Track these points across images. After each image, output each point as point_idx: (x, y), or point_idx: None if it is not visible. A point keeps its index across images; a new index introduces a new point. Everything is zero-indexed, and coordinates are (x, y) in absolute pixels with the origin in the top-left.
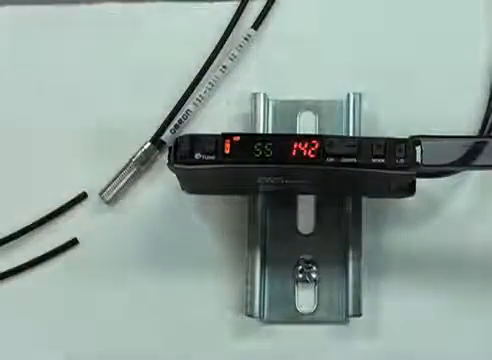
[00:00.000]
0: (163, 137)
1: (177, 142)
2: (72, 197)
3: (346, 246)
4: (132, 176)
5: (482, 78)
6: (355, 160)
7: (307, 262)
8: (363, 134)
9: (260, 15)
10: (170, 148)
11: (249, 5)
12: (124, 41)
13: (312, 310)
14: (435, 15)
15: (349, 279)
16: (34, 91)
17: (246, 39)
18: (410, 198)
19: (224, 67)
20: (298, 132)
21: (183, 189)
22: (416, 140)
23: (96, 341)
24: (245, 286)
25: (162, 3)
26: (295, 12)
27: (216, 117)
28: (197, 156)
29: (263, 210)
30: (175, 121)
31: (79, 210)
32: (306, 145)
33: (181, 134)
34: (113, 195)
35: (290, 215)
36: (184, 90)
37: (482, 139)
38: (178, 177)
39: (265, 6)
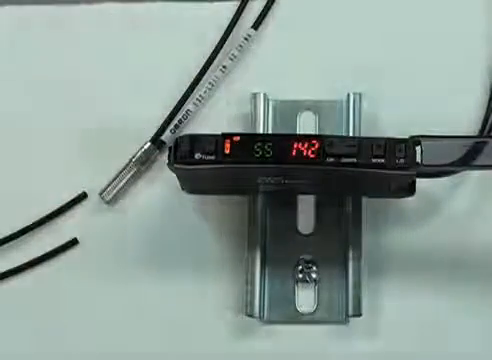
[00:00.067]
0: (163, 137)
1: (177, 142)
2: (72, 197)
3: (346, 246)
4: (132, 176)
5: (482, 78)
6: (355, 160)
7: (307, 262)
8: (363, 134)
9: (260, 15)
10: (170, 148)
11: (249, 5)
12: (124, 41)
13: (312, 310)
14: (435, 15)
15: (349, 279)
16: (34, 91)
17: (246, 39)
18: (410, 198)
19: (224, 67)
20: (298, 132)
21: (183, 189)
22: (416, 140)
23: (96, 341)
24: (245, 286)
25: (162, 3)
26: (295, 12)
27: (216, 117)
28: (197, 156)
29: (263, 210)
30: (175, 121)
31: (79, 210)
32: (306, 145)
33: (181, 134)
34: (113, 195)
35: (290, 215)
36: (184, 90)
37: (482, 139)
38: (178, 177)
39: (265, 6)
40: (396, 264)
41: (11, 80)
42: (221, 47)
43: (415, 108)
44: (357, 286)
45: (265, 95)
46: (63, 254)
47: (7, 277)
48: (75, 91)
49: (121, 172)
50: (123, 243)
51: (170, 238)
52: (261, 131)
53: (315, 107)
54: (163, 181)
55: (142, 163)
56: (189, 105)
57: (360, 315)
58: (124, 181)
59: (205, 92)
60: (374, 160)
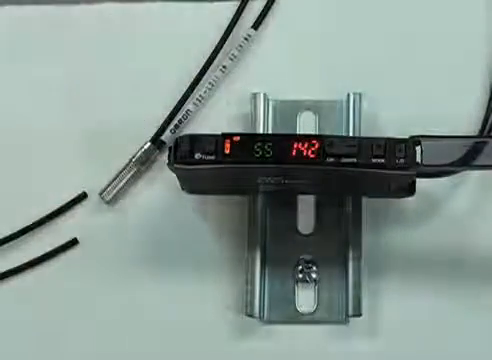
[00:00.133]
0: (163, 137)
1: (177, 142)
2: (72, 197)
3: (346, 246)
4: (132, 176)
5: (482, 78)
6: (355, 160)
7: (307, 262)
8: (363, 134)
9: (260, 15)
10: (170, 148)
11: (249, 5)
12: (124, 41)
13: (312, 310)
14: (435, 15)
15: (349, 279)
16: (34, 91)
17: (246, 39)
18: (410, 198)
19: (224, 67)
20: (298, 132)
21: (183, 189)
22: (416, 140)
23: (96, 341)
24: (245, 286)
25: (162, 3)
26: (295, 12)
27: (216, 117)
28: (197, 156)
29: (263, 210)
30: (175, 121)
31: (79, 210)
32: (306, 145)
33: (181, 134)
34: (113, 195)
35: (290, 215)
36: (184, 90)
37: (482, 139)
38: (178, 177)
39: (265, 6)
40: (396, 264)
41: (11, 80)
42: (221, 47)
43: (415, 108)
44: (357, 286)
45: (265, 95)
46: (63, 254)
47: (7, 277)
48: (75, 91)
49: (121, 172)
50: (123, 243)
51: (170, 238)
52: (261, 131)
53: (315, 107)
54: (163, 181)
55: (142, 163)
56: (189, 105)
57: (360, 315)
58: (124, 181)
59: (205, 92)
60: (374, 160)
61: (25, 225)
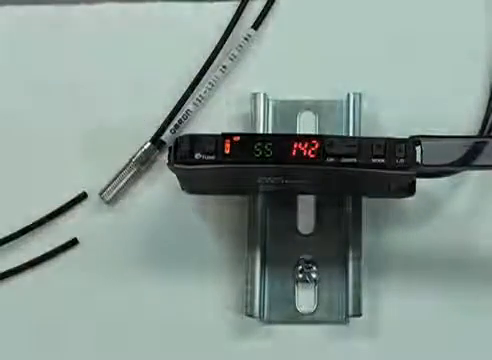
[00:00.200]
0: (163, 137)
1: (177, 142)
2: (72, 197)
3: (346, 246)
4: (132, 176)
5: (482, 78)
6: (355, 160)
7: (307, 262)
8: (363, 134)
9: (260, 15)
10: (170, 148)
11: (249, 5)
12: (124, 41)
13: (312, 310)
14: (436, 15)
15: (349, 279)
16: (34, 91)
17: (246, 39)
18: (410, 198)
19: (224, 67)
20: (298, 132)
21: (183, 189)
22: (416, 140)
23: (96, 341)
24: (245, 286)
25: (162, 3)
26: (295, 12)
27: (216, 117)
28: (197, 156)
29: (263, 210)
30: (175, 121)
31: (79, 210)
32: (306, 145)
33: (181, 134)
34: (113, 195)
35: (290, 215)
36: (184, 90)
37: (482, 139)
38: (178, 177)
39: (265, 6)
40: (396, 264)
41: (11, 80)
42: (221, 47)
43: (415, 108)
44: (357, 286)
45: (265, 95)
46: (63, 254)
47: (7, 277)
48: (75, 91)
49: (121, 172)
50: (123, 243)
51: (170, 238)
52: (261, 131)
53: (315, 107)
54: (163, 181)
55: (142, 163)
56: (189, 105)
57: (360, 315)
58: (124, 181)
59: (205, 92)
60: (374, 160)
61: (25, 225)
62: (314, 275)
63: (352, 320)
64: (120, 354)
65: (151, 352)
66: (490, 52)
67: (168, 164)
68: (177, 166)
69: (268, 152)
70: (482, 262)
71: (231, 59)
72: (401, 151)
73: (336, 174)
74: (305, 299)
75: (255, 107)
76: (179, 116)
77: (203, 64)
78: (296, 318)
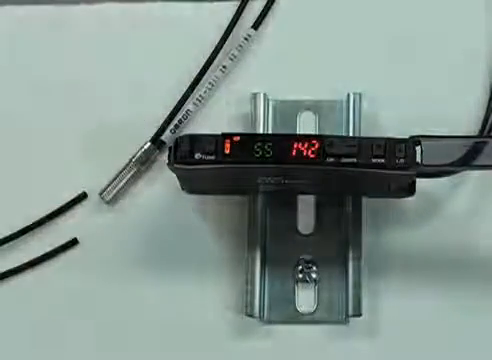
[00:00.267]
0: (163, 137)
1: (177, 142)
2: (72, 197)
3: (346, 246)
4: (132, 176)
5: (482, 78)
6: (355, 160)
7: (307, 262)
8: (363, 134)
9: (260, 15)
10: (170, 148)
11: (249, 5)
12: (124, 41)
13: (312, 310)
14: (435, 15)
15: (349, 279)
16: (34, 91)
17: (246, 39)
18: (410, 198)
19: (224, 67)
20: (298, 132)
21: (183, 189)
22: (416, 140)
23: (96, 341)
24: (245, 286)
25: (162, 3)
26: (295, 12)
27: (216, 117)
28: (197, 156)
29: (263, 210)
30: (175, 121)
31: (79, 210)
32: (306, 145)
33: (181, 134)
34: (113, 195)
35: (290, 215)
36: (184, 90)
37: (482, 139)
38: (178, 177)
39: (265, 6)
40: (396, 264)
41: (11, 80)
42: (221, 47)
43: (415, 108)
44: (357, 286)
45: (265, 95)
46: (63, 254)
47: (7, 277)
48: (75, 91)
49: (121, 172)
50: (123, 243)
51: (170, 238)
52: (261, 131)
53: (315, 107)
54: (163, 181)
55: (142, 163)
56: (189, 105)
57: (360, 315)
58: (124, 181)
59: (205, 92)
60: (374, 160)
61: (25, 225)
62: (314, 275)
63: (352, 320)
64: (120, 354)
65: (151, 352)
66: (490, 52)
67: (168, 164)
68: (177, 166)
69: (268, 152)
70: (482, 262)
71: (231, 59)
72: (401, 151)
73: (336, 174)
74: (305, 299)
75: (255, 107)
76: (179, 116)
77: (203, 64)
78: (296, 318)
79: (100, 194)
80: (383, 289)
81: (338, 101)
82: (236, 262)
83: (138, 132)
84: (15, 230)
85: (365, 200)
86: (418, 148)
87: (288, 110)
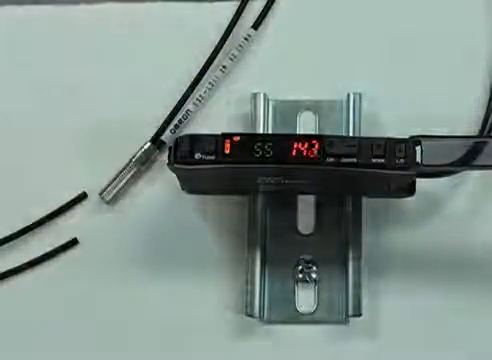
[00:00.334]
0: (163, 137)
1: (177, 142)
2: (72, 197)
3: (346, 246)
4: (132, 176)
5: (482, 78)
6: (355, 160)
7: (307, 262)
8: (363, 134)
9: (260, 15)
10: (170, 148)
11: (249, 5)
12: (124, 41)
13: (312, 310)
14: (435, 15)
15: (349, 279)
16: (34, 91)
17: (246, 39)
18: (410, 198)
19: (224, 67)
20: (298, 132)
21: (183, 189)
22: (416, 140)
23: (96, 341)
24: (245, 286)
25: (162, 3)
26: (295, 12)
27: (216, 117)
28: (197, 156)
29: (263, 210)
30: (175, 121)
31: (79, 210)
32: (306, 145)
33: (181, 134)
34: (113, 195)
35: (290, 215)
36: (184, 90)
37: (482, 139)
38: (178, 177)
39: (265, 6)
40: (396, 264)
41: (11, 80)
42: (221, 47)
43: (415, 108)
44: (357, 286)
45: (265, 95)
46: (63, 254)
47: (7, 277)
48: (75, 91)
49: (121, 172)
50: (123, 243)
51: (170, 238)
52: (261, 131)
53: (315, 107)
54: (163, 181)
55: (142, 163)
56: (189, 105)
57: (360, 315)
58: (124, 181)
59: (205, 92)
60: (374, 160)
61: (25, 225)
62: (314, 275)
63: (352, 320)
64: (120, 354)
65: (151, 352)
66: (490, 52)
67: (168, 164)
68: (177, 166)
69: (268, 152)
70: (482, 262)
71: (231, 59)
72: (401, 151)
73: (336, 174)
74: (305, 299)
75: (255, 107)
76: (179, 116)
77: (203, 64)
78: (296, 318)
79: (100, 194)
80: (383, 289)
81: (338, 101)
82: (236, 262)
83: (138, 132)
84: (15, 230)
85: (365, 200)
86: (418, 148)
87: (288, 110)
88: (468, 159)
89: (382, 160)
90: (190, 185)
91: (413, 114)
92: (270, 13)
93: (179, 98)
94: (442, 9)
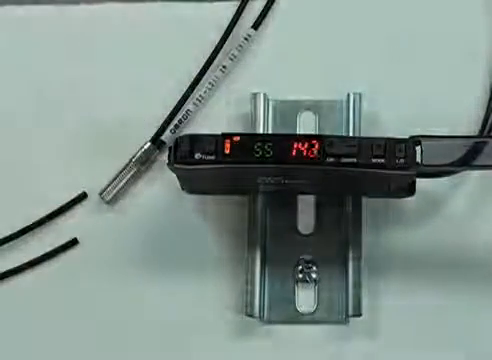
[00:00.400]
0: (163, 137)
1: (177, 142)
2: (72, 197)
3: (346, 246)
4: (132, 176)
5: (482, 78)
6: (355, 160)
7: (307, 262)
8: (363, 134)
9: (260, 15)
10: (170, 148)
11: (249, 5)
12: (124, 41)
13: (312, 310)
14: (435, 15)
15: (349, 279)
16: (34, 91)
17: (246, 39)
18: (410, 198)
19: (224, 67)
20: (298, 132)
21: (183, 189)
22: (416, 140)
23: (96, 341)
24: (245, 286)
25: (162, 3)
26: (295, 12)
27: (216, 117)
28: (197, 156)
29: (263, 210)
30: (175, 121)
31: (79, 210)
32: (306, 145)
33: (181, 134)
34: (113, 195)
35: (290, 215)
36: (184, 90)
37: (482, 139)
38: (178, 177)
39: (265, 6)
40: (396, 264)
41: (11, 80)
42: (221, 47)
43: (415, 108)
44: (357, 286)
45: (265, 95)
46: (63, 254)
47: (7, 277)
48: (75, 91)
49: (121, 172)
50: (123, 243)
51: (170, 238)
52: (261, 131)
53: (315, 107)
54: (163, 181)
55: (142, 163)
56: (189, 105)
57: (360, 315)
58: (124, 181)
59: (205, 92)
60: (374, 160)
61: (25, 225)
62: (314, 275)
63: (352, 320)
64: (120, 354)
65: (151, 352)
66: (490, 52)
67: (168, 164)
68: (177, 166)
69: (268, 152)
70: (482, 262)
71: (231, 59)
72: (401, 151)
73: (336, 174)
74: (305, 299)
75: (255, 107)
76: (179, 116)
77: (203, 64)
78: (296, 318)
79: (100, 194)
80: (383, 289)
81: (338, 101)
82: (236, 262)
83: (138, 132)
84: (15, 230)
85: (365, 200)
86: (418, 148)
87: (288, 110)
88: (468, 159)
89: (382, 160)
90: (190, 185)
91: (413, 114)
92: (270, 13)
93: (179, 98)
94: (442, 9)
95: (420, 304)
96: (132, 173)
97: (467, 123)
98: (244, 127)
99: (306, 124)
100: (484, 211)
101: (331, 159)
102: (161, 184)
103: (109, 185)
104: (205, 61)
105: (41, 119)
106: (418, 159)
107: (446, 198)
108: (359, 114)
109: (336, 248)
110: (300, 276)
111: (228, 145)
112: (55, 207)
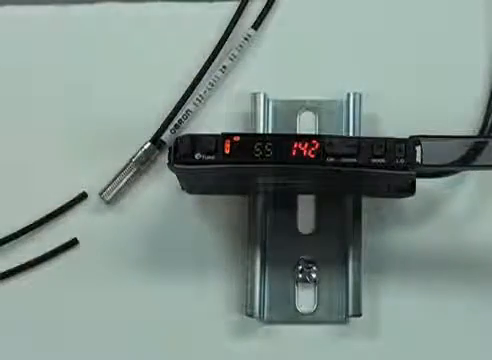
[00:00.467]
0: (163, 137)
1: (177, 142)
2: (72, 197)
3: (346, 246)
4: (132, 176)
5: (482, 78)
6: (355, 160)
7: (307, 262)
8: (363, 134)
9: (260, 15)
10: (170, 148)
11: (249, 5)
12: (124, 41)
13: (312, 310)
14: (435, 15)
15: (349, 279)
16: (34, 91)
17: (246, 39)
18: (410, 198)
19: (224, 67)
20: (298, 132)
21: (183, 189)
22: (416, 140)
23: (96, 341)
24: (245, 286)
25: (162, 3)
26: (295, 12)
27: (216, 117)
28: (197, 156)
29: (263, 210)
30: (175, 121)
31: (79, 210)
32: (306, 145)
33: (181, 134)
34: (113, 195)
35: (290, 215)
36: (184, 90)
37: (482, 139)
38: (178, 177)
39: (265, 6)
40: (396, 264)
41: (11, 80)
42: (221, 47)
43: (415, 108)
44: (357, 286)
45: (265, 95)
46: (63, 254)
47: (7, 277)
48: (75, 91)
49: (121, 172)
50: (123, 243)
51: (170, 238)
52: (261, 131)
53: (315, 107)
54: (163, 181)
55: (142, 163)
56: (189, 105)
57: (360, 315)
58: (124, 181)
59: (205, 92)
60: (374, 160)
61: (25, 225)
62: (314, 275)
63: (352, 320)
64: (120, 354)
65: (151, 352)
66: (490, 52)
67: (168, 164)
68: (177, 166)
69: (268, 152)
70: (482, 262)
71: (231, 59)
72: (401, 151)
73: (336, 174)
74: (305, 299)
75: (255, 107)
76: (179, 116)
77: (203, 64)
78: (296, 318)
79: (100, 194)
80: (383, 289)
81: (338, 101)
82: (236, 262)
83: (138, 132)
84: (15, 230)
85: (365, 200)
86: (418, 148)
87: (288, 110)
88: (468, 159)
89: (382, 160)
90: (190, 185)
91: (413, 114)
92: (270, 13)
93: (179, 98)
94: (442, 9)
95: (420, 304)
96: (132, 173)
97: (467, 123)
98: (244, 127)
99: (306, 124)
100: (484, 211)
101: (331, 159)
102: (161, 184)
103: (109, 185)
104: (205, 61)
105: (41, 119)
106: (418, 159)
107: (446, 198)
108: (359, 114)
109: (336, 248)
110: (300, 276)
111: (228, 145)
112: (55, 207)
